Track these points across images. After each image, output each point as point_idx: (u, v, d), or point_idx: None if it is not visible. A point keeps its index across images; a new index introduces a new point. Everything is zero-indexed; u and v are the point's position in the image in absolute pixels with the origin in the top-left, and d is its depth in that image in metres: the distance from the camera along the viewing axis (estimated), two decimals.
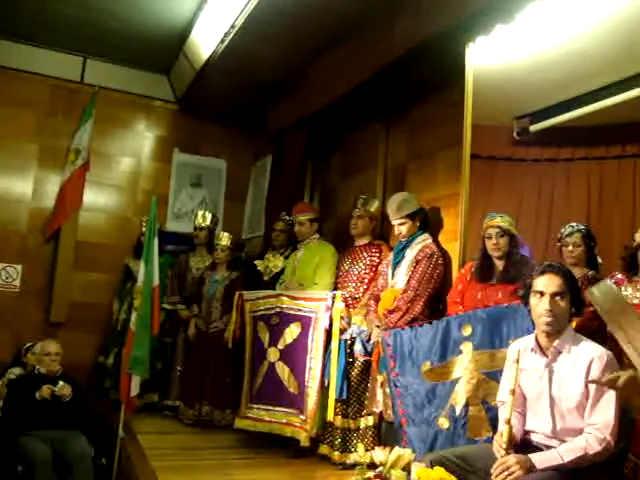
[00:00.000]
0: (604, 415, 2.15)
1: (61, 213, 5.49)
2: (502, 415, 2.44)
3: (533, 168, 5.52)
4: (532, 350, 2.41)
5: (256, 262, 4.81)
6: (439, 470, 2.05)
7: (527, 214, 5.45)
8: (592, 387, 2.19)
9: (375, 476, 1.99)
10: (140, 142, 6.11)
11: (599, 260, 3.56)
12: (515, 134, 5.26)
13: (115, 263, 5.64)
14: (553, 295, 2.31)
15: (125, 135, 6.05)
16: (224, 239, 4.95)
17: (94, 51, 5.71)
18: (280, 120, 5.56)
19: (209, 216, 5.28)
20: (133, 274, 5.08)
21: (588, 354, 2.25)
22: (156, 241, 4.34)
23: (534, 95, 4.74)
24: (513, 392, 2.25)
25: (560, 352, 2.33)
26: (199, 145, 6.23)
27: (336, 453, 3.76)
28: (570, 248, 3.49)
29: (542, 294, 2.34)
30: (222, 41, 4.64)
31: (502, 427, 2.28)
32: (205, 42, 4.92)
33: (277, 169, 5.64)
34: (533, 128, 5.13)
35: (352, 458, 3.67)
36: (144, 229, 4.98)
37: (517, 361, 2.28)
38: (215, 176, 6.25)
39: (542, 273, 2.37)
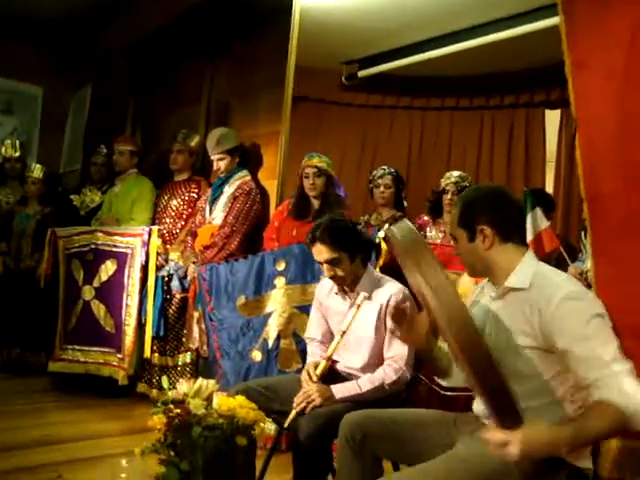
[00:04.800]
0: (399, 349, 2.27)
1: None
2: (312, 350, 2.53)
3: (359, 113, 5.71)
4: (336, 293, 2.47)
5: (72, 197, 4.55)
6: (240, 398, 2.07)
7: (352, 157, 5.66)
8: (388, 325, 2.29)
9: (176, 406, 1.98)
10: None
11: (405, 203, 3.78)
12: (343, 79, 5.37)
13: None
14: (325, 263, 2.33)
15: None
16: (36, 171, 4.61)
17: None
18: (104, 47, 5.21)
19: (19, 146, 4.86)
20: None
21: (385, 294, 2.34)
22: None
23: (363, 41, 4.84)
24: (344, 333, 2.26)
25: (360, 294, 2.36)
26: (10, 68, 5.55)
27: (154, 391, 3.77)
28: (381, 189, 3.68)
29: (320, 263, 2.38)
30: None
31: (320, 361, 2.33)
32: None
33: (98, 100, 5.35)
34: (361, 74, 5.27)
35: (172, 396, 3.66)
36: None
37: (358, 306, 2.24)
38: (29, 104, 5.70)
39: (311, 243, 2.36)
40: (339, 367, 2.46)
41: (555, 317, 1.44)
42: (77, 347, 3.95)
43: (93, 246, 3.96)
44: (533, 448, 1.30)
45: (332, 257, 2.30)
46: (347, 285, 2.39)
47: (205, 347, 3.36)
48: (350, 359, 2.40)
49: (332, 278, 2.36)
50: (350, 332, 2.30)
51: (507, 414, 1.35)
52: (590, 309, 1.43)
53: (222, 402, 2.05)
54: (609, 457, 1.64)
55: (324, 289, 2.53)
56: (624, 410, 1.31)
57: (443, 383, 1.88)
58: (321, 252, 2.31)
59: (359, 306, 2.23)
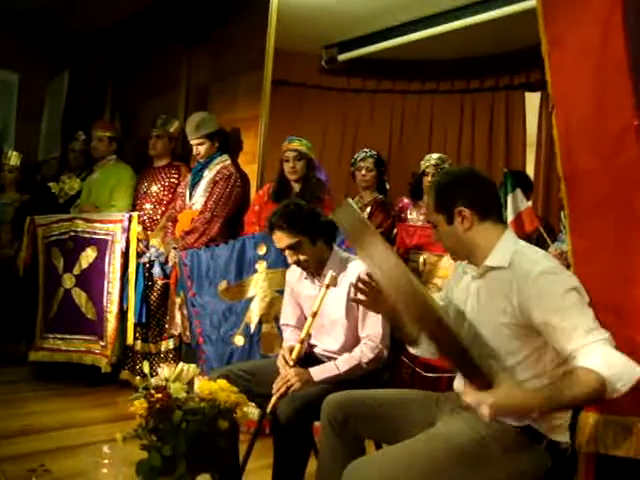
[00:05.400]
0: (374, 327, 2.27)
1: None
2: (288, 336, 2.53)
3: (340, 97, 5.70)
4: (306, 278, 2.46)
5: (50, 184, 4.47)
6: (221, 382, 2.06)
7: (333, 140, 5.65)
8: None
9: (157, 391, 1.97)
10: None
11: (387, 186, 3.79)
12: (323, 63, 5.35)
13: None
14: (287, 249, 2.32)
15: None
16: (12, 159, 4.55)
17: None
18: (80, 31, 5.11)
19: None
20: None
21: (352, 273, 2.31)
22: None
23: (343, 25, 4.81)
24: (314, 315, 2.24)
25: (327, 274, 2.34)
26: None
27: (137, 378, 3.75)
28: (363, 172, 3.69)
29: (282, 250, 2.36)
30: None
31: (295, 345, 2.30)
32: None
33: (76, 86, 5.24)
34: (341, 58, 5.25)
35: (154, 382, 3.66)
36: None
37: (327, 286, 2.24)
38: (5, 90, 5.60)
39: (270, 232, 2.36)
40: (317, 351, 2.46)
41: (532, 292, 1.46)
42: (58, 336, 3.92)
43: (73, 233, 3.91)
44: (505, 409, 1.34)
45: (291, 242, 2.29)
46: (313, 269, 2.38)
47: (188, 333, 3.36)
48: (327, 343, 2.41)
49: (296, 263, 2.36)
50: (323, 316, 2.31)
51: (475, 376, 1.37)
52: (566, 283, 1.46)
53: (203, 386, 2.04)
54: (586, 431, 1.66)
55: (294, 274, 2.53)
56: (601, 377, 1.32)
57: (412, 351, 1.89)
58: (280, 239, 2.31)
59: (328, 286, 2.22)
